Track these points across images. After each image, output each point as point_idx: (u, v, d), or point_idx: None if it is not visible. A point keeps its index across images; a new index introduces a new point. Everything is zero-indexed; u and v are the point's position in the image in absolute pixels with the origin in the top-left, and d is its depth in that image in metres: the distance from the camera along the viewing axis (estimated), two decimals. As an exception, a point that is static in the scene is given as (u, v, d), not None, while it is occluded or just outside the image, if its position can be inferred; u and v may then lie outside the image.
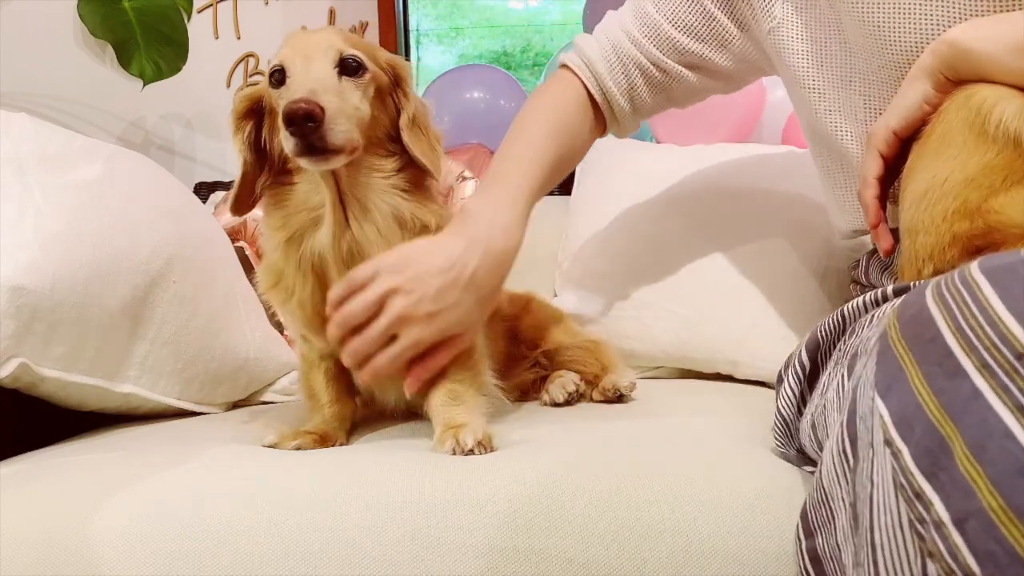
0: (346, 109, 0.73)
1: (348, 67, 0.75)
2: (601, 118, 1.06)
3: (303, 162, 0.73)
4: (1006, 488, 0.36)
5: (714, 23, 0.99)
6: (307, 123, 0.68)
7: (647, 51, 1.01)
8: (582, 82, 1.03)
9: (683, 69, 1.01)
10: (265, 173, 0.82)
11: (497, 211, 0.86)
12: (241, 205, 0.82)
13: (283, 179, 0.80)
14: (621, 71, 1.02)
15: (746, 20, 0.98)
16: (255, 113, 0.81)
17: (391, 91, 0.81)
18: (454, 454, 0.70)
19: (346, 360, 0.78)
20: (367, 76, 0.76)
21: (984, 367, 0.39)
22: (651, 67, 1.02)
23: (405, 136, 0.79)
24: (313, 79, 0.72)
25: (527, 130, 0.98)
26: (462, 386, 0.82)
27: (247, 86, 2.24)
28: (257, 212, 0.86)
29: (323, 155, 0.71)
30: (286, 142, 0.71)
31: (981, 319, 0.40)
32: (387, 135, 0.80)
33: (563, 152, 0.99)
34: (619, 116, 1.05)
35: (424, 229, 0.81)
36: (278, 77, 0.75)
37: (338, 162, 0.73)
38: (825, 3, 0.88)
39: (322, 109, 0.69)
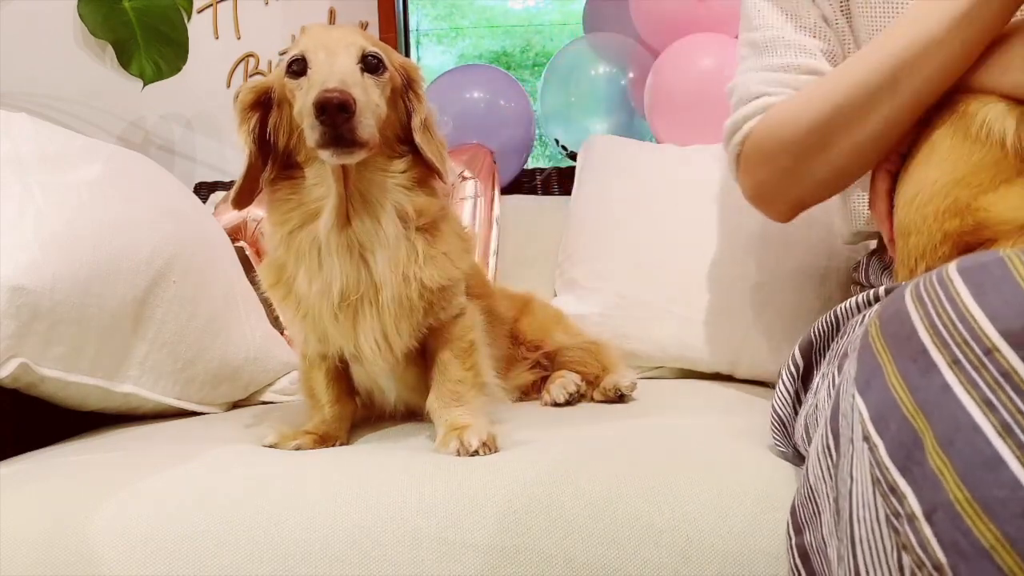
0: (370, 104, 0.72)
1: (370, 64, 0.75)
2: None
3: (325, 154, 0.71)
4: (971, 481, 0.36)
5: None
6: (340, 113, 0.67)
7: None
8: None
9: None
10: (268, 167, 0.81)
11: None
12: (243, 198, 0.81)
13: (287, 173, 0.80)
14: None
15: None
16: (261, 105, 0.80)
17: (402, 93, 0.81)
18: (458, 455, 0.70)
19: None
20: (386, 75, 0.76)
21: (955, 363, 0.40)
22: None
23: (418, 137, 0.79)
24: (340, 71, 0.71)
25: None
26: (463, 386, 0.82)
27: (247, 86, 2.23)
28: (257, 212, 0.86)
29: (349, 147, 0.70)
30: (311, 132, 0.70)
31: (954, 316, 0.41)
32: (396, 136, 0.80)
33: None
34: None
35: (426, 221, 0.81)
36: (298, 67, 0.74)
37: (360, 156, 0.72)
38: (843, 18, 0.88)
39: (354, 100, 0.68)
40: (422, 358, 0.86)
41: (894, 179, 0.74)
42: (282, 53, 0.77)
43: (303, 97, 0.72)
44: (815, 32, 0.90)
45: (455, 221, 0.88)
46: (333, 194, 0.77)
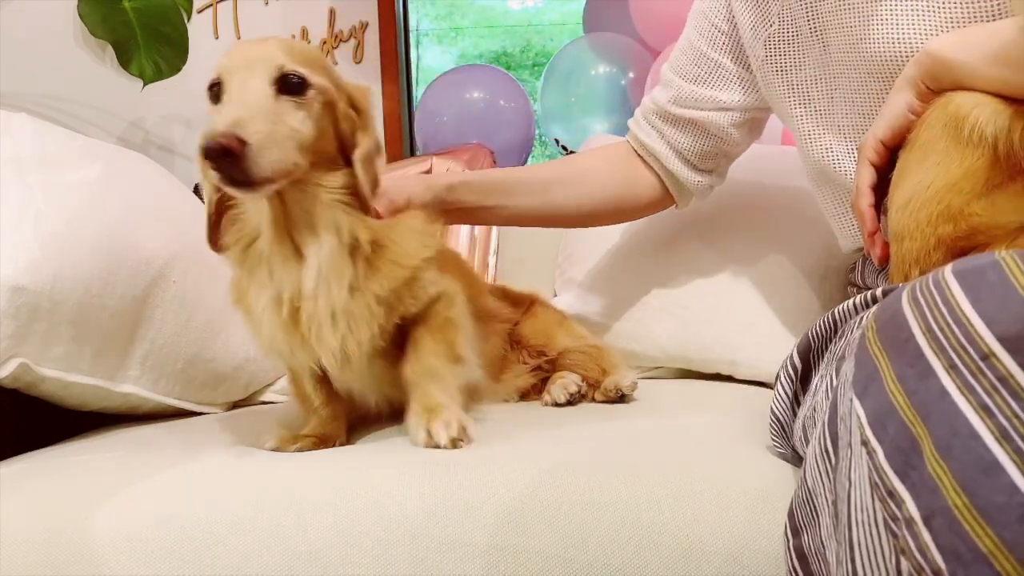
0: (279, 133, 0.69)
1: (288, 85, 0.71)
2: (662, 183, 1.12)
3: (231, 192, 0.70)
4: (970, 486, 0.37)
5: (720, 68, 1.04)
6: (225, 159, 0.64)
7: (662, 101, 1.09)
8: (631, 146, 1.13)
9: (706, 112, 1.06)
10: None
11: None
12: (215, 236, 0.80)
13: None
14: (647, 123, 1.11)
15: (746, 60, 1.02)
16: None
17: (346, 111, 0.78)
18: (426, 447, 0.70)
19: None
20: (310, 93, 0.72)
21: (952, 367, 0.40)
22: (671, 110, 1.08)
23: (358, 168, 0.76)
24: (244, 103, 0.68)
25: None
26: (438, 359, 0.81)
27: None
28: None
29: (249, 186, 0.67)
30: (206, 174, 0.67)
31: (950, 320, 0.41)
32: (337, 148, 0.77)
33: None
34: (667, 164, 1.10)
35: (358, 244, 0.78)
36: (215, 92, 0.72)
37: (269, 190, 0.70)
38: (807, 28, 0.89)
39: (243, 142, 0.64)
40: (402, 353, 0.85)
41: (880, 172, 0.74)
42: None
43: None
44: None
45: (410, 215, 0.84)
46: (267, 211, 0.75)
